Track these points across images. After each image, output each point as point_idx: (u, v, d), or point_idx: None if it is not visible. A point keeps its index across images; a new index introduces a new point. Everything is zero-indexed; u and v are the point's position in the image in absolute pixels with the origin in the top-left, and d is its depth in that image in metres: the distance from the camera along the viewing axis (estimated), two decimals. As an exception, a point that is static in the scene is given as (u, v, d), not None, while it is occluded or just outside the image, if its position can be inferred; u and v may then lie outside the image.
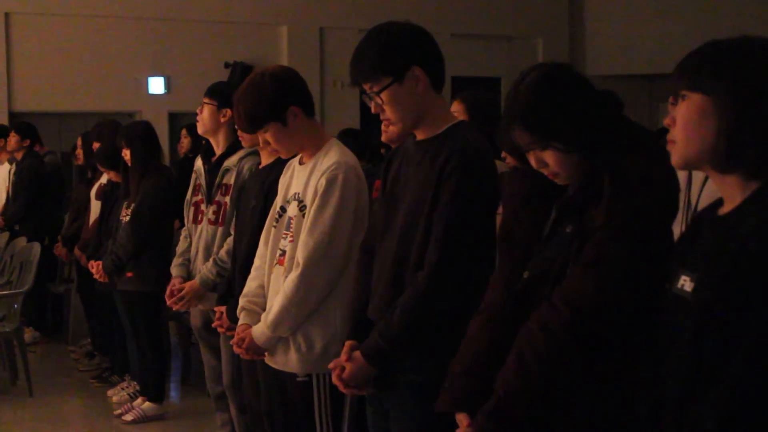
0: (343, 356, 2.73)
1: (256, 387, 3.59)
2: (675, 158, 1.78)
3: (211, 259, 4.41)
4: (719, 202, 1.81)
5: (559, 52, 13.81)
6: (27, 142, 8.04)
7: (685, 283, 1.76)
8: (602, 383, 2.10)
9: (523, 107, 2.17)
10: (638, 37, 12.94)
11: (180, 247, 4.70)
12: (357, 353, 2.69)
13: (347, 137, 5.90)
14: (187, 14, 11.44)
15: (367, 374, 2.68)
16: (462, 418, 2.28)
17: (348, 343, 2.76)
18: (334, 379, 2.76)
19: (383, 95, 2.68)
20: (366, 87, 2.70)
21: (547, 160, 2.17)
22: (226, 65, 11.37)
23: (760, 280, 1.60)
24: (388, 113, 2.70)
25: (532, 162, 2.19)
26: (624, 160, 2.10)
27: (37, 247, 6.75)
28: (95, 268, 5.76)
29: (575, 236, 2.12)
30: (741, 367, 1.62)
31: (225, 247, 4.36)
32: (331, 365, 2.78)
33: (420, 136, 2.75)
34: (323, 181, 3.12)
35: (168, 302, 4.58)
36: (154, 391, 5.80)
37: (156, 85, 11.40)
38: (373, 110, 2.73)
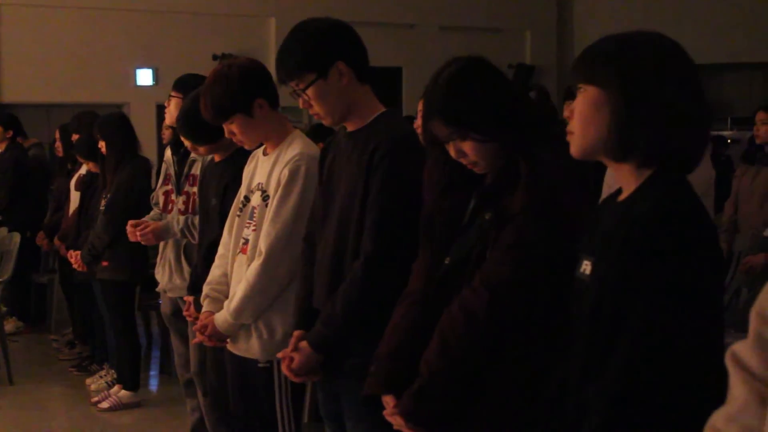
0: (291, 347, 2.80)
1: (219, 369, 3.66)
2: (573, 149, 1.86)
3: (186, 216, 4.49)
4: (620, 191, 1.89)
5: (548, 45, 13.86)
6: (10, 133, 8.04)
7: (586, 267, 1.84)
8: (518, 363, 2.17)
9: (441, 101, 2.23)
10: (626, 30, 12.93)
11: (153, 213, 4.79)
12: (304, 343, 2.76)
13: (317, 133, 5.98)
14: (176, 6, 11.48)
15: (315, 362, 2.75)
16: (389, 400, 2.35)
17: (295, 333, 2.83)
18: (284, 369, 2.82)
19: (309, 92, 2.74)
20: (292, 84, 2.76)
21: (466, 151, 2.23)
22: (215, 57, 11.39)
23: (647, 262, 1.68)
24: (316, 108, 2.77)
25: (452, 152, 2.25)
26: (538, 148, 2.17)
27: (16, 237, 6.79)
28: (74, 257, 5.85)
29: (494, 223, 2.19)
30: (627, 347, 1.69)
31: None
32: (279, 355, 2.85)
33: (350, 127, 2.82)
34: (286, 172, 3.16)
35: (129, 231, 4.64)
36: (130, 379, 5.87)
37: (144, 77, 11.44)
38: (301, 106, 2.80)
